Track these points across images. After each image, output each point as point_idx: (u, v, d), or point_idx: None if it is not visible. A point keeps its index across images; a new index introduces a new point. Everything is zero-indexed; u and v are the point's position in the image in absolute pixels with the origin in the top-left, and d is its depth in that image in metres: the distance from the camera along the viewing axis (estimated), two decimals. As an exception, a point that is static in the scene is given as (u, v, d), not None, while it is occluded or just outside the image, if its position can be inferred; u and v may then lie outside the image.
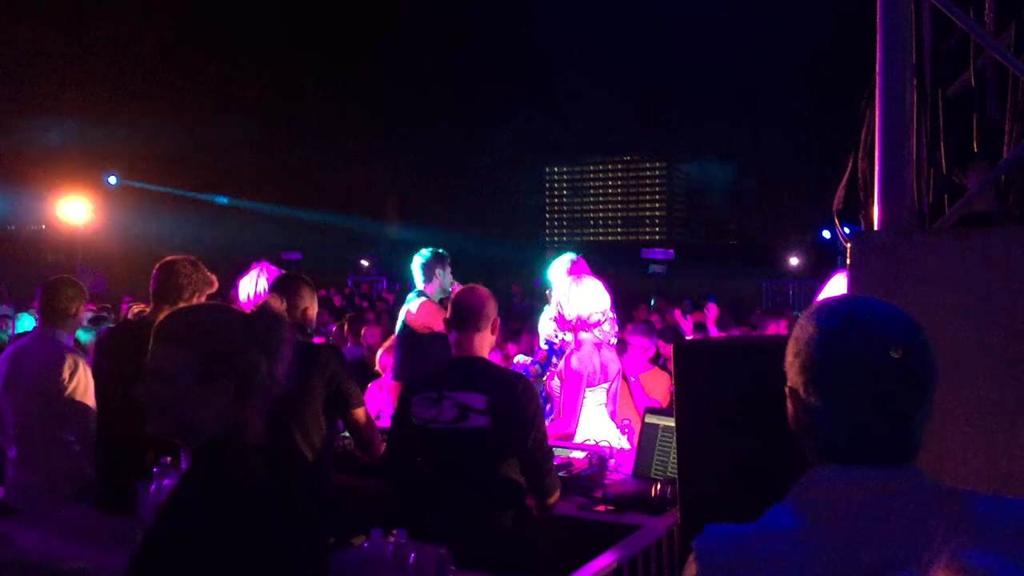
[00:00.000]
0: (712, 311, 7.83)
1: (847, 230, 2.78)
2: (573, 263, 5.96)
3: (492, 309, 3.54)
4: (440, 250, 6.48)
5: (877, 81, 2.42)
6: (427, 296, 6.26)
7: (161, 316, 4.12)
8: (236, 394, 1.87)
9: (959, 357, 2.09)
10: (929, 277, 2.14)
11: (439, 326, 6.02)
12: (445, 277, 6.32)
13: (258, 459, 1.89)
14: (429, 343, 6.06)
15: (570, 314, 4.97)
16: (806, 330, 1.36)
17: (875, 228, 2.41)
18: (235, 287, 6.10)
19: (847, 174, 2.73)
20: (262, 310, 2.00)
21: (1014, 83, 2.39)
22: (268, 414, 3.43)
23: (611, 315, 5.62)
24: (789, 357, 1.39)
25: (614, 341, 5.42)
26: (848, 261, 2.24)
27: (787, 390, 1.40)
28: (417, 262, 6.44)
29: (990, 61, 2.48)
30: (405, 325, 6.23)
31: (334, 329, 10.14)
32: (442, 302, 6.22)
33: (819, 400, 1.33)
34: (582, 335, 4.99)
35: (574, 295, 5.02)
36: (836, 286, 4.70)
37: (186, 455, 1.91)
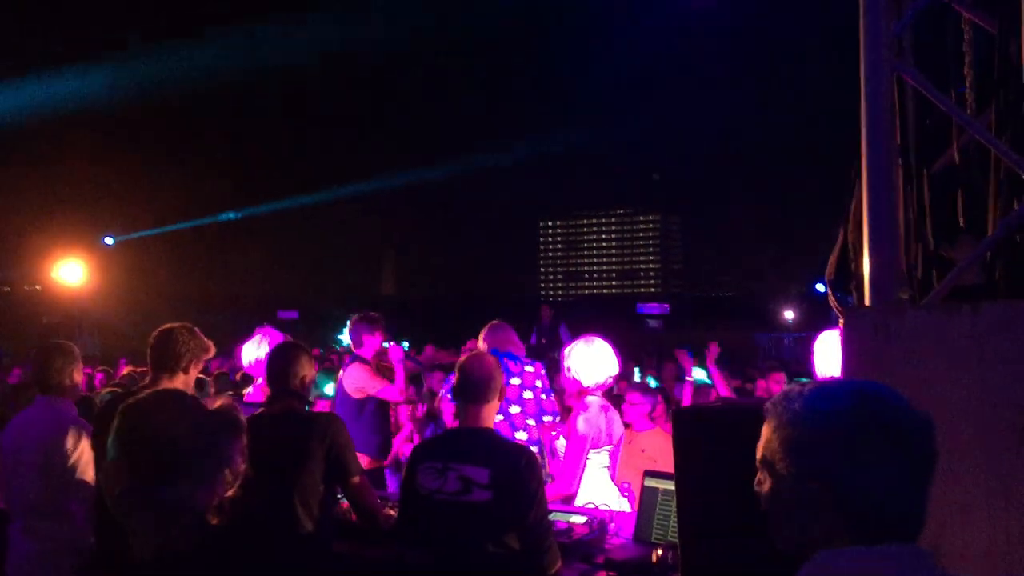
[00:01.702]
0: (713, 351, 7.82)
1: (836, 294, 2.84)
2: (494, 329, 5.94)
3: (499, 378, 3.57)
4: (371, 313, 6.50)
5: (863, 160, 2.50)
6: (362, 359, 6.26)
7: (159, 384, 4.15)
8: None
9: (952, 429, 2.13)
10: (920, 352, 2.20)
11: (372, 388, 6.09)
12: (373, 337, 6.30)
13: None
14: (363, 406, 6.08)
15: (587, 380, 4.98)
16: (819, 406, 1.40)
17: (866, 301, 2.47)
18: (238, 351, 6.16)
19: (838, 244, 2.80)
20: (220, 411, 2.04)
21: (996, 161, 2.47)
22: (268, 483, 3.46)
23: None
24: (790, 436, 1.41)
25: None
26: (840, 336, 2.29)
27: (781, 470, 1.41)
28: (348, 327, 6.50)
29: (973, 139, 2.57)
30: (340, 391, 6.26)
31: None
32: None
33: (843, 473, 1.35)
34: (589, 398, 5.01)
35: (588, 359, 5.03)
36: (827, 342, 4.76)
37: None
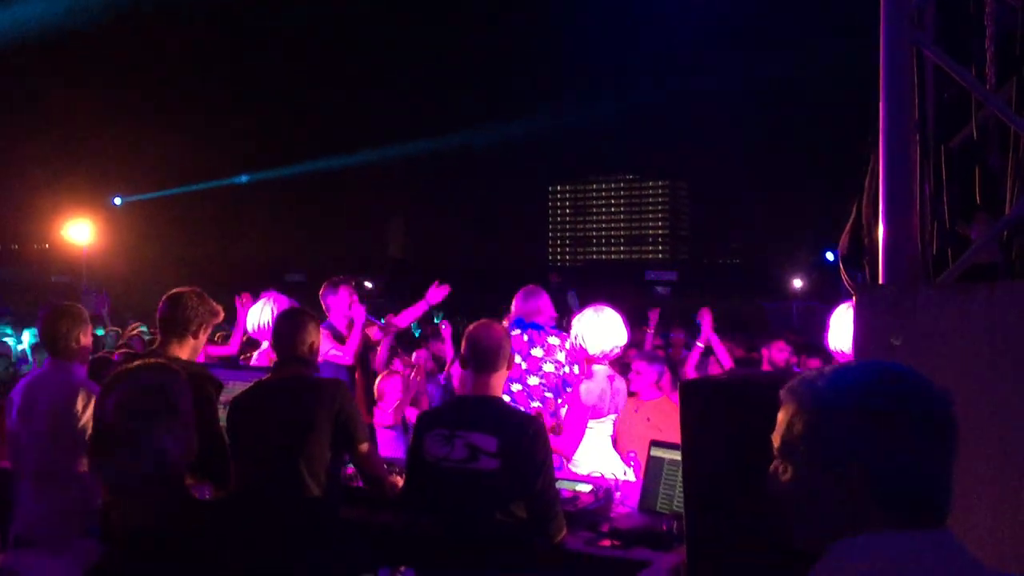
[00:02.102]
0: (706, 317, 7.67)
1: (850, 272, 2.82)
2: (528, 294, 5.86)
3: (508, 347, 3.57)
4: (339, 279, 6.40)
5: (880, 135, 2.47)
6: (331, 327, 6.18)
7: (169, 349, 4.15)
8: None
9: (965, 411, 2.12)
10: (934, 332, 2.18)
11: (327, 353, 5.90)
12: (337, 298, 6.23)
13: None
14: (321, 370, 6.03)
15: (593, 348, 4.98)
16: (842, 391, 1.37)
17: (880, 278, 2.45)
18: (243, 316, 6.12)
19: (851, 220, 2.78)
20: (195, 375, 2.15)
21: (1015, 138, 2.44)
22: (275, 449, 3.49)
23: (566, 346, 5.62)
24: (813, 422, 1.38)
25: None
26: (854, 313, 2.28)
27: (800, 457, 1.39)
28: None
29: (991, 115, 2.53)
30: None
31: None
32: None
33: (874, 457, 1.33)
34: (595, 367, 5.02)
35: (597, 328, 5.03)
36: (842, 317, 4.73)
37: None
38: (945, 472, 1.34)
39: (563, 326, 6.18)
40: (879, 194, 2.52)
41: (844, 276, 2.78)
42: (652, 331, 8.96)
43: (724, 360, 7.67)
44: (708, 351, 7.78)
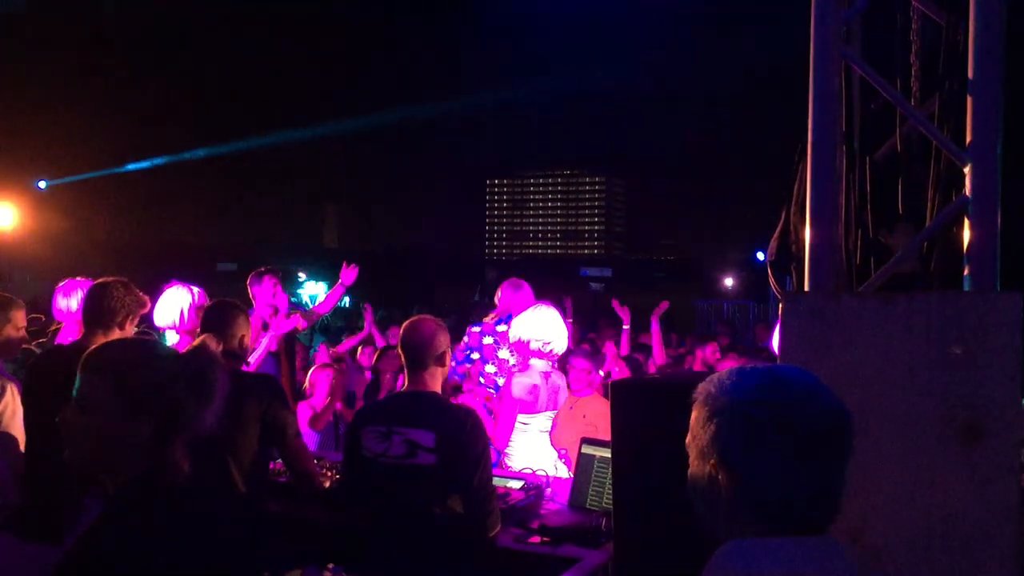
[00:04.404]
0: (662, 307, 7.82)
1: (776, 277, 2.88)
2: (517, 287, 5.99)
3: (442, 341, 3.56)
4: (263, 269, 6.42)
5: (808, 144, 2.53)
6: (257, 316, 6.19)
7: (93, 340, 4.04)
8: (157, 433, 1.85)
9: (881, 418, 2.19)
10: (855, 340, 2.24)
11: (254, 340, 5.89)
12: (261, 288, 6.26)
13: (176, 504, 1.89)
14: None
15: (526, 340, 5.04)
16: (721, 393, 1.39)
17: (805, 285, 2.51)
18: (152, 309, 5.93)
19: (780, 226, 2.83)
20: (197, 351, 1.99)
21: (937, 151, 2.52)
22: (201, 446, 3.39)
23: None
24: (706, 423, 1.40)
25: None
26: (780, 319, 2.33)
27: (700, 457, 1.41)
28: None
29: (915, 128, 2.61)
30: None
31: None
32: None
33: (746, 464, 1.35)
34: (533, 360, 5.06)
35: (531, 322, 5.08)
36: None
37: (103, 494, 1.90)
38: (819, 484, 1.34)
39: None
40: (806, 203, 2.58)
41: (772, 281, 2.83)
42: (571, 320, 9.06)
43: (658, 355, 7.76)
44: (639, 346, 7.90)
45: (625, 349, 7.89)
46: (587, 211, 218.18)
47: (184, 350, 2.02)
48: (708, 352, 7.84)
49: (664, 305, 7.77)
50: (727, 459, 1.37)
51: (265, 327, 6.08)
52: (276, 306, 6.19)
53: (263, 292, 6.25)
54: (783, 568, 1.29)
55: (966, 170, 2.41)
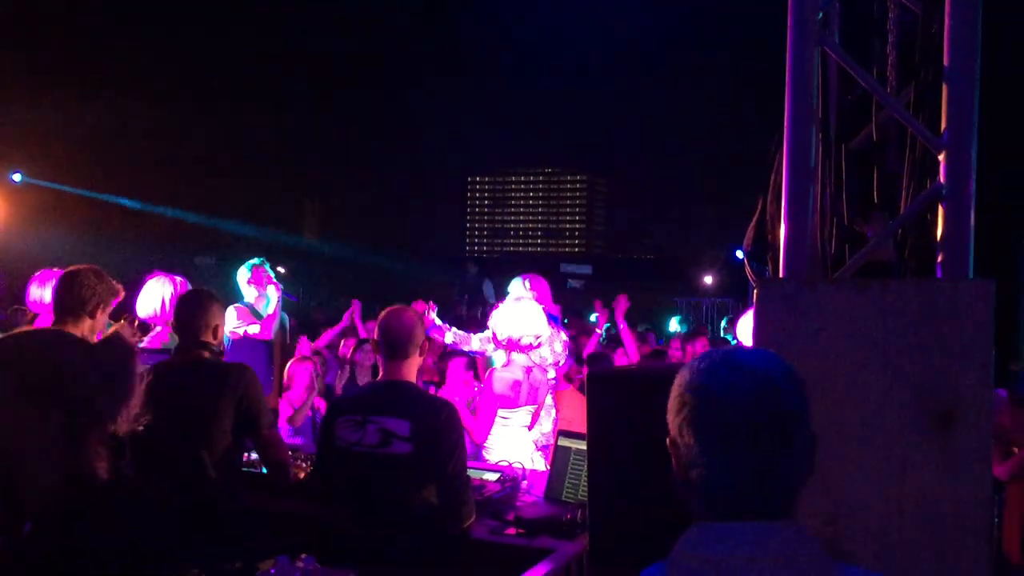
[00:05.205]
0: (621, 303, 7.74)
1: (754, 266, 2.88)
2: (533, 279, 5.97)
3: (420, 332, 3.55)
4: (251, 262, 6.48)
5: (785, 132, 2.52)
6: (248, 305, 6.32)
7: (65, 330, 3.97)
8: (67, 428, 1.72)
9: (855, 404, 2.19)
10: (829, 326, 2.24)
11: (242, 327, 6.10)
12: (254, 284, 6.36)
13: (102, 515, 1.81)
14: (239, 346, 6.10)
15: (501, 334, 5.01)
16: (683, 375, 1.38)
17: (780, 272, 2.51)
18: (134, 303, 5.89)
19: (756, 215, 2.83)
20: (110, 341, 1.88)
21: (912, 140, 2.52)
22: (174, 434, 3.33)
23: (561, 337, 5.68)
24: (670, 404, 1.39)
25: (560, 362, 5.48)
26: (754, 306, 2.33)
27: (668, 441, 1.40)
28: None
29: (891, 117, 2.61)
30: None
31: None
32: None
33: (692, 444, 1.33)
34: (514, 355, 5.03)
35: (509, 316, 5.05)
36: (750, 320, 4.85)
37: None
38: (755, 471, 1.31)
39: (476, 316, 6.23)
40: (782, 192, 2.58)
41: (748, 270, 2.83)
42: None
43: (631, 350, 7.74)
44: (616, 340, 7.86)
45: (590, 348, 7.83)
46: (568, 209, 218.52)
47: (98, 340, 1.91)
48: (698, 347, 7.84)
49: (624, 303, 7.66)
50: (673, 441, 1.37)
51: (258, 315, 6.15)
52: (268, 296, 6.23)
53: (254, 283, 6.31)
54: (744, 551, 1.28)
55: (941, 158, 2.41)
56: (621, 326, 7.64)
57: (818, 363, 2.12)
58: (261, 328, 6.12)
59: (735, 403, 1.32)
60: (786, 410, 1.32)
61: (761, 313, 2.30)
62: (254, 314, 6.21)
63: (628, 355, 7.69)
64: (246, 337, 6.13)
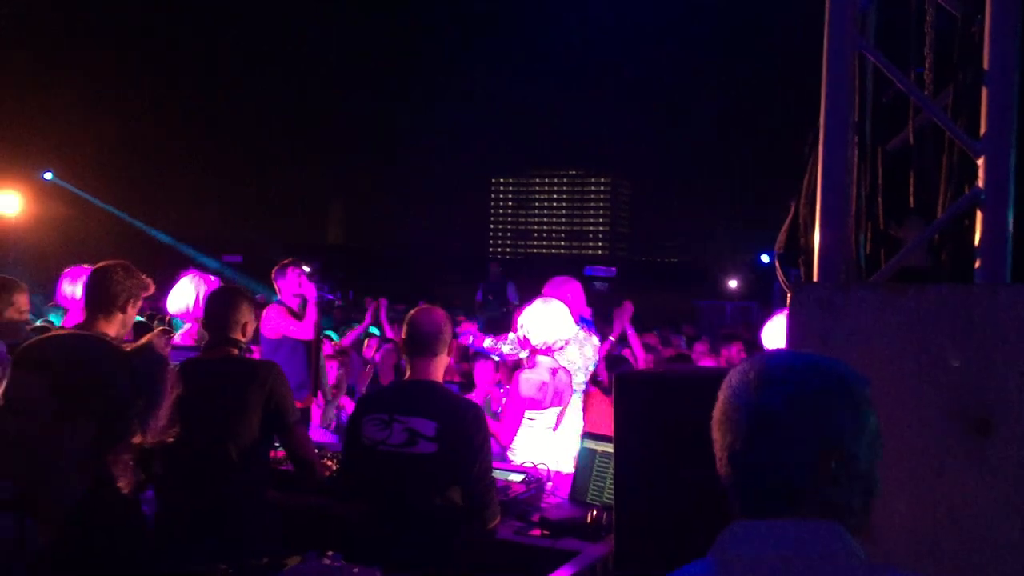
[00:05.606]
0: (627, 309, 7.74)
1: (786, 270, 2.86)
2: (566, 283, 5.90)
3: (448, 332, 3.56)
4: (283, 260, 6.51)
5: (821, 135, 2.50)
6: (280, 302, 6.35)
7: (95, 325, 4.00)
8: (97, 439, 1.69)
9: (889, 409, 2.16)
10: (863, 330, 2.22)
11: (284, 328, 6.13)
12: (285, 282, 6.35)
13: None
14: (278, 346, 6.12)
15: (536, 339, 4.96)
16: (729, 378, 1.43)
17: (814, 276, 2.49)
18: (164, 298, 5.95)
19: (789, 218, 2.81)
20: (144, 349, 1.84)
21: (950, 143, 2.49)
22: (203, 431, 3.34)
23: (593, 342, 5.63)
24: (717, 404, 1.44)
25: (591, 368, 5.44)
26: (788, 310, 2.31)
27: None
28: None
29: (928, 120, 2.58)
30: (260, 334, 6.27)
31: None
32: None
33: (721, 443, 1.39)
34: (539, 358, 5.00)
35: (542, 319, 5.00)
36: (778, 324, 4.81)
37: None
38: (777, 462, 1.34)
39: (499, 317, 6.23)
40: (816, 194, 2.56)
41: (780, 274, 2.81)
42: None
43: (638, 352, 7.70)
44: (623, 340, 7.81)
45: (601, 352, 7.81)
46: (592, 211, 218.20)
47: (130, 348, 1.86)
48: (733, 351, 7.79)
49: (629, 309, 7.65)
50: (713, 435, 1.42)
51: (298, 317, 6.15)
52: (304, 296, 6.23)
53: (288, 284, 6.33)
54: (783, 550, 1.29)
55: (979, 162, 2.38)
56: (628, 331, 7.60)
57: (853, 367, 2.10)
58: (301, 329, 6.12)
59: (749, 400, 1.36)
60: (811, 426, 1.34)
61: (795, 316, 2.28)
62: (292, 314, 6.22)
63: (635, 358, 7.65)
64: (286, 338, 6.14)
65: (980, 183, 2.38)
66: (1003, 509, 2.12)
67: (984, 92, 2.39)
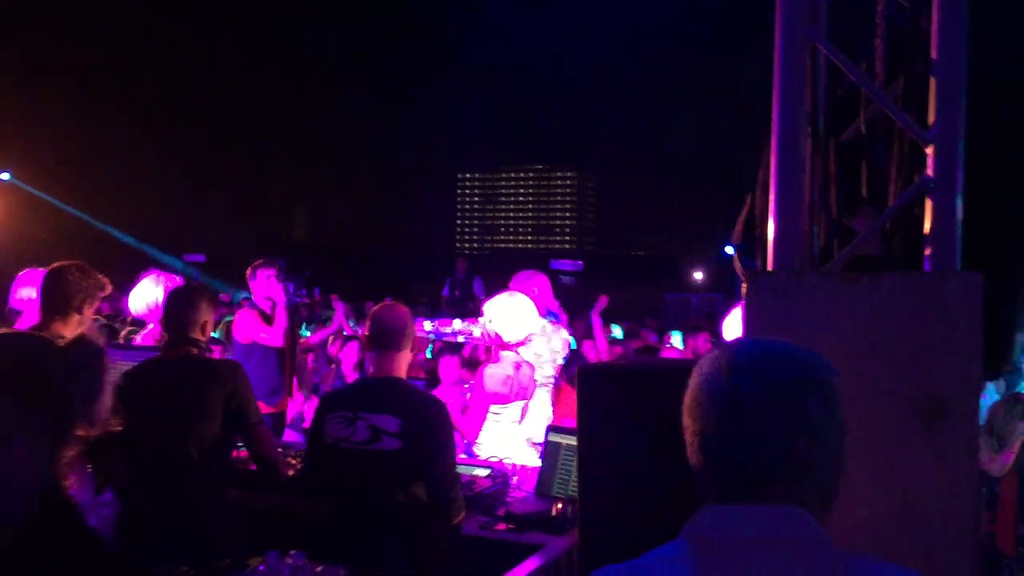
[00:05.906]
0: (601, 302, 7.83)
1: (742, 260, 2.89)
2: (532, 276, 5.85)
3: (411, 326, 3.56)
4: (258, 262, 6.28)
5: (774, 126, 2.53)
6: (253, 305, 6.15)
7: (50, 327, 3.95)
8: (52, 436, 1.67)
9: (844, 396, 2.19)
10: (817, 318, 2.24)
11: (254, 333, 5.92)
12: (255, 283, 6.15)
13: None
14: (250, 351, 5.92)
15: (505, 334, 4.96)
16: (699, 367, 1.43)
17: (769, 266, 2.52)
18: (125, 298, 5.85)
19: (745, 209, 2.83)
20: (79, 342, 1.86)
21: (901, 133, 2.53)
22: (164, 430, 3.29)
23: (562, 335, 5.62)
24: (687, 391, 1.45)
25: (558, 360, 5.45)
26: (744, 299, 2.33)
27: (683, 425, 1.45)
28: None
29: (880, 111, 2.61)
30: (230, 337, 6.15)
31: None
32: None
33: (692, 429, 1.40)
34: (503, 352, 5.01)
35: (508, 313, 5.00)
36: (738, 315, 4.84)
37: None
38: (748, 449, 1.35)
39: (468, 312, 6.21)
40: (770, 185, 2.58)
41: (737, 265, 2.83)
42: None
43: (601, 345, 7.76)
44: (614, 340, 7.89)
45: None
46: (558, 206, 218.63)
47: (65, 343, 1.88)
48: (699, 341, 7.84)
49: (603, 302, 7.77)
50: (684, 421, 1.43)
51: (269, 321, 5.95)
52: (273, 299, 5.99)
53: (259, 286, 6.09)
54: (754, 533, 1.31)
55: (928, 151, 2.42)
56: (595, 321, 7.67)
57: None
58: (271, 335, 5.91)
59: (719, 385, 1.37)
60: (773, 390, 1.35)
61: (751, 305, 2.30)
62: (264, 318, 6.01)
63: (598, 349, 7.70)
64: (256, 344, 5.93)
65: (930, 171, 2.42)
66: (954, 489, 2.16)
67: (933, 82, 2.43)
